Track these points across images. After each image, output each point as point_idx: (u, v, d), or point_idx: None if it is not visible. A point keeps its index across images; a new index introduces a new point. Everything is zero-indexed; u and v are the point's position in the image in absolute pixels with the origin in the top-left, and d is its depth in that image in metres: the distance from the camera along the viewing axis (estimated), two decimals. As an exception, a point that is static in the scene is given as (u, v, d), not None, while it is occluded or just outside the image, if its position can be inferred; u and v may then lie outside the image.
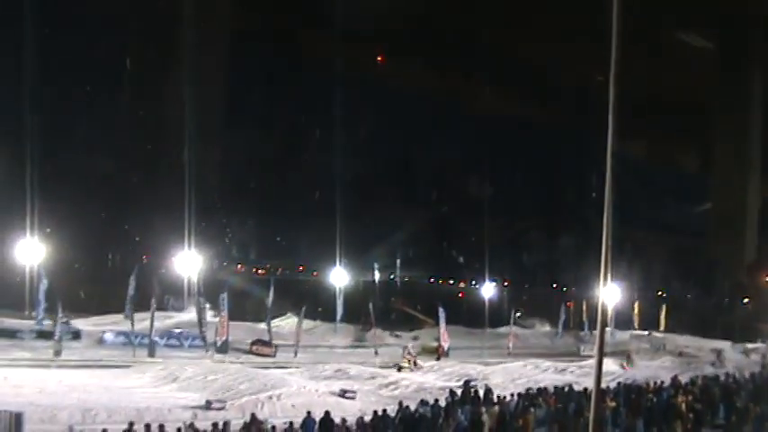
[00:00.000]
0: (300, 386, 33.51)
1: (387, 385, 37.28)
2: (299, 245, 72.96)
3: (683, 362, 54.07)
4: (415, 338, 58.95)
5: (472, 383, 34.47)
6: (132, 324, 44.35)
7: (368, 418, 25.36)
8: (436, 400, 28.47)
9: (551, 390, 32.37)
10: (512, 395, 30.46)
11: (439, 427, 25.85)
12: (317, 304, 59.46)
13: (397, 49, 74.93)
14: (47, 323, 43.14)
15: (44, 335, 41.97)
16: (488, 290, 66.04)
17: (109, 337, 45.74)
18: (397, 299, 71.87)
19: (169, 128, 61.03)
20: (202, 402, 29.78)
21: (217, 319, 44.35)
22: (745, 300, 79.36)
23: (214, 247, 61.20)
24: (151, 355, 42.32)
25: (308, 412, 24.79)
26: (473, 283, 76.24)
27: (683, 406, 28.85)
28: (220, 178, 69.76)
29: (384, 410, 26.05)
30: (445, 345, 51.08)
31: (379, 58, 79.58)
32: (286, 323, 54.67)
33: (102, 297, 52.82)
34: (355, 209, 63.86)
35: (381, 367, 42.95)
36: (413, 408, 27.02)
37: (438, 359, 48.05)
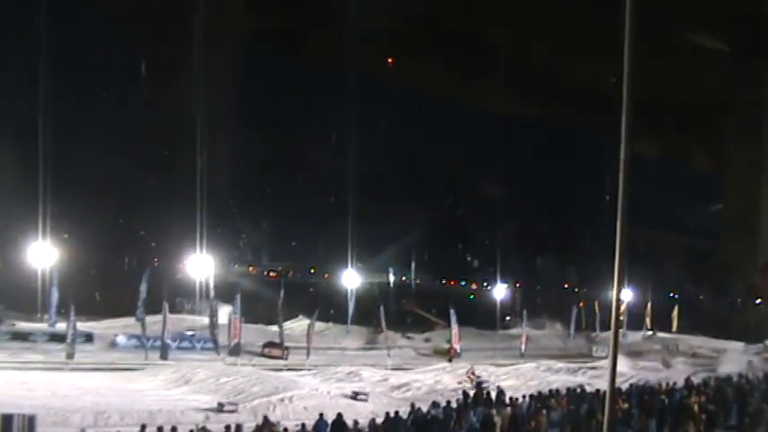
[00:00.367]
0: (312, 388, 33.59)
1: (399, 387, 37.28)
2: (311, 247, 73.03)
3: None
4: (427, 340, 58.92)
5: (484, 385, 34.38)
6: (144, 327, 44.49)
7: (380, 420, 25.35)
8: (448, 402, 28.40)
9: (563, 391, 32.25)
10: (524, 397, 30.36)
11: (451, 428, 25.75)
12: (328, 306, 59.35)
13: (411, 49, 74.70)
14: (59, 326, 43.29)
15: (57, 338, 42.14)
16: (500, 291, 65.91)
17: (121, 339, 45.92)
18: (409, 300, 71.74)
19: (183, 130, 61.14)
20: (214, 405, 29.91)
21: (229, 322, 44.37)
22: (758, 300, 78.90)
23: (226, 250, 61.31)
24: (163, 357, 42.32)
25: (321, 414, 24.85)
26: (485, 284, 76.09)
27: (696, 407, 28.66)
28: (233, 181, 69.84)
29: (396, 412, 25.97)
30: (457, 346, 51.03)
31: (389, 60, 79.43)
32: (298, 325, 54.65)
33: (115, 300, 52.93)
34: (367, 211, 63.78)
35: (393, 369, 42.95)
36: (425, 409, 26.93)
37: (450, 361, 47.97)
